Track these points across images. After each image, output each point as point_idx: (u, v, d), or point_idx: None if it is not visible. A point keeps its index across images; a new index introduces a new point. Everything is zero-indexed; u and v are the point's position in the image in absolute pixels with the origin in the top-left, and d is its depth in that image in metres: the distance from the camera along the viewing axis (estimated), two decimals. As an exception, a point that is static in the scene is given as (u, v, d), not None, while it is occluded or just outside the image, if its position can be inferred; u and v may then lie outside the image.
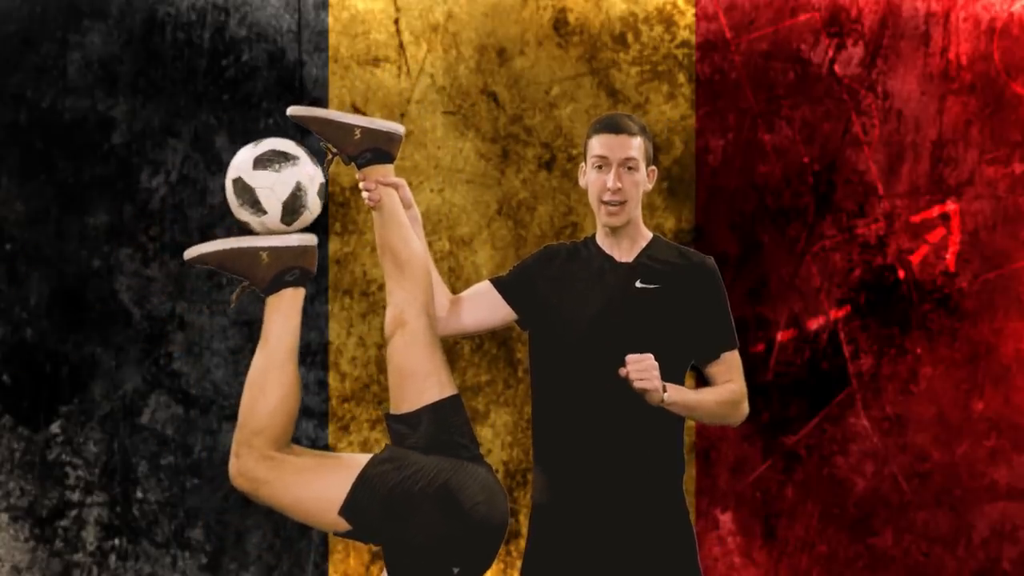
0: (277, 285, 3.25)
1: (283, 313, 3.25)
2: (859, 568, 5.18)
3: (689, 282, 3.47)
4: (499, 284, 3.57)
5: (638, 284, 3.46)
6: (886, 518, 5.17)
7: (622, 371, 3.30)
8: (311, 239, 3.28)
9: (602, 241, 3.53)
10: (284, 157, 3.24)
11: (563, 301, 3.47)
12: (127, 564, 5.21)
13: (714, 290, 3.50)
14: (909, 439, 5.17)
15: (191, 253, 3.25)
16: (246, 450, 3.19)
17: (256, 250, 3.23)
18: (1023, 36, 5.14)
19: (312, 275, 3.29)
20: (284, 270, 3.24)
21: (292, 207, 3.23)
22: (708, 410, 3.43)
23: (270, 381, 3.20)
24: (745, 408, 3.50)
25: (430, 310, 3.37)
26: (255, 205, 3.22)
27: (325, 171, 3.46)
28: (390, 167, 3.44)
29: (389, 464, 3.18)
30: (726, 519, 5.22)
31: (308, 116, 3.38)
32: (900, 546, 5.17)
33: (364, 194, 3.42)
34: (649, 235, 3.54)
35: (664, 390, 3.32)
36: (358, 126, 3.39)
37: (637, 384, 3.28)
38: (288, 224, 3.25)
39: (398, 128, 3.44)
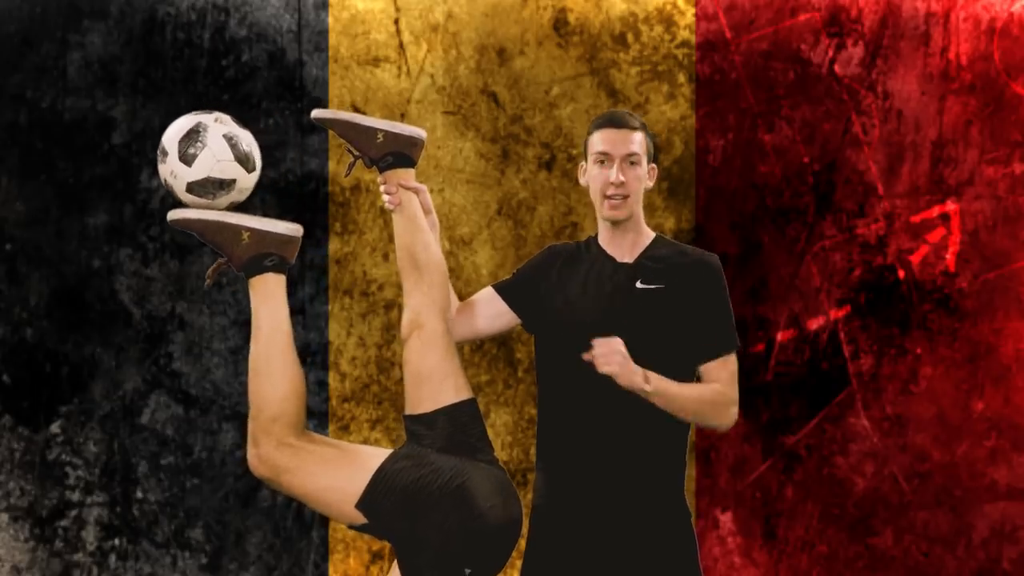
0: (254, 267, 3.25)
1: (271, 299, 3.25)
2: (859, 568, 5.18)
3: (691, 279, 3.45)
4: (502, 289, 3.57)
5: (639, 285, 3.45)
6: (886, 518, 5.17)
7: (586, 356, 3.28)
8: (297, 230, 3.29)
9: (604, 241, 3.52)
10: (194, 134, 3.23)
11: (566, 303, 3.47)
12: (127, 564, 5.21)
13: (715, 288, 3.46)
14: (909, 439, 5.17)
15: (175, 215, 3.22)
16: (265, 438, 3.19)
17: (239, 228, 3.24)
18: (1023, 36, 5.14)
19: (290, 264, 3.29)
20: (263, 254, 3.25)
21: (241, 155, 3.24)
22: (687, 405, 3.37)
23: (276, 367, 3.22)
24: (732, 414, 3.44)
25: (446, 314, 3.38)
26: (221, 185, 3.24)
27: (348, 173, 3.51)
28: (411, 171, 3.46)
29: (408, 461, 3.19)
30: (726, 519, 5.22)
31: (332, 119, 3.42)
32: (900, 546, 5.17)
33: (385, 197, 3.44)
34: (651, 235, 3.53)
35: (646, 379, 3.29)
36: (381, 130, 3.42)
37: (603, 369, 3.26)
38: (253, 169, 3.26)
39: (420, 133, 3.47)
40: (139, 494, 5.21)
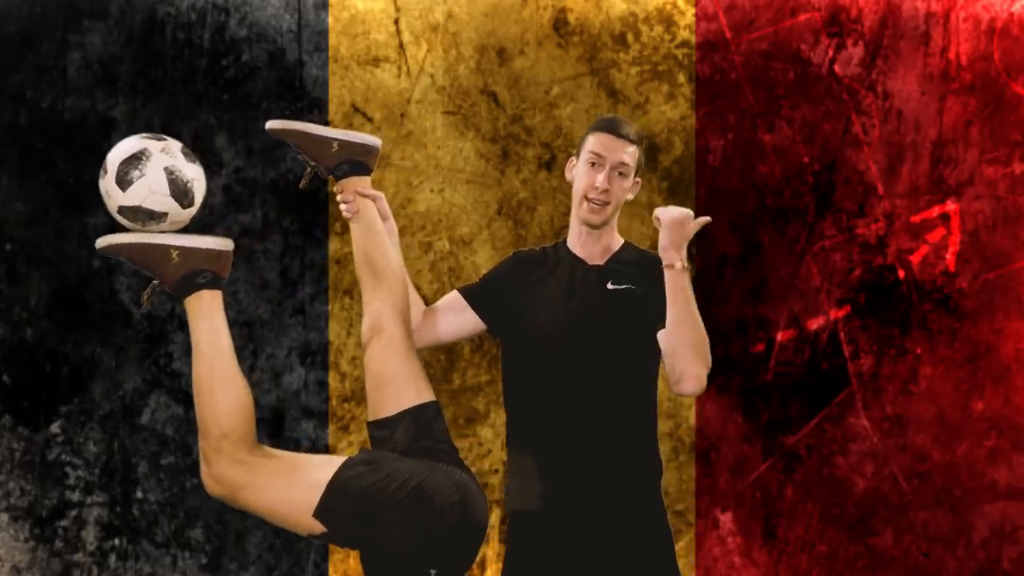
0: (187, 286, 3.19)
1: (207, 316, 3.19)
2: (859, 568, 5.18)
3: (659, 277, 3.43)
4: (467, 293, 3.57)
5: (609, 286, 3.46)
6: (886, 518, 5.17)
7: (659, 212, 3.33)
8: (227, 244, 3.23)
9: (573, 245, 3.54)
10: (136, 159, 3.17)
11: (534, 307, 3.48)
12: (127, 564, 5.21)
13: None
14: (909, 439, 5.17)
15: (102, 242, 3.18)
16: (216, 456, 3.15)
17: (167, 247, 3.18)
18: (1023, 36, 5.14)
19: (224, 280, 3.23)
20: (195, 271, 3.19)
21: (179, 190, 3.17)
22: (694, 312, 3.34)
23: (218, 386, 3.16)
24: (703, 371, 3.36)
25: (406, 319, 3.39)
26: (152, 216, 3.18)
27: (304, 184, 3.50)
28: (367, 179, 3.49)
29: (364, 466, 3.18)
30: (726, 519, 5.22)
31: (285, 130, 3.43)
32: (900, 546, 5.17)
33: (342, 206, 3.48)
34: (621, 240, 3.56)
35: (683, 259, 3.33)
36: (335, 139, 3.44)
37: (665, 223, 3.31)
38: (191, 205, 3.20)
39: (374, 140, 3.49)
40: (139, 494, 5.21)
